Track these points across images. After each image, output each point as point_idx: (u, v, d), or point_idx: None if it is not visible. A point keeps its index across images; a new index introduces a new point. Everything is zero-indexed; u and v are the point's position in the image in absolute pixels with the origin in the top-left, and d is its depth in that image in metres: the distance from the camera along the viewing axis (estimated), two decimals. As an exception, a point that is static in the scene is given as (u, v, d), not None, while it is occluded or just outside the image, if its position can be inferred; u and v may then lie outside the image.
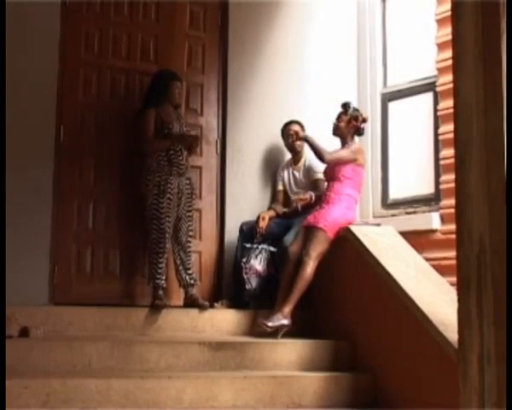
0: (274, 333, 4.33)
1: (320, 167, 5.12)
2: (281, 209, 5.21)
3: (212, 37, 5.41)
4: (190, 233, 4.86)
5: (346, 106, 4.83)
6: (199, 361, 3.93)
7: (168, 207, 4.65)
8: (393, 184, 5.41)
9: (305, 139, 4.82)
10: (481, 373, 2.21)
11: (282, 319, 4.35)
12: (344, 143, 4.81)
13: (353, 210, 4.75)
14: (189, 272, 4.78)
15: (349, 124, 4.81)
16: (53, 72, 4.80)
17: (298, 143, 5.15)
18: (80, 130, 4.94)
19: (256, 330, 4.41)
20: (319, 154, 4.72)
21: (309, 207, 4.88)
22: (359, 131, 4.88)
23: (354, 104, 5.13)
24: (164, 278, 4.64)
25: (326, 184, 4.84)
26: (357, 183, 4.74)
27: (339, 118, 4.85)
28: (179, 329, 4.48)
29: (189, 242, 4.84)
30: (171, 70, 4.97)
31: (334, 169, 4.74)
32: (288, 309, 4.39)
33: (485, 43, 2.28)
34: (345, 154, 4.71)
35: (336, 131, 4.86)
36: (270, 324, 4.32)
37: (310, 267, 4.45)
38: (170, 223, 4.67)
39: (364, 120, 4.86)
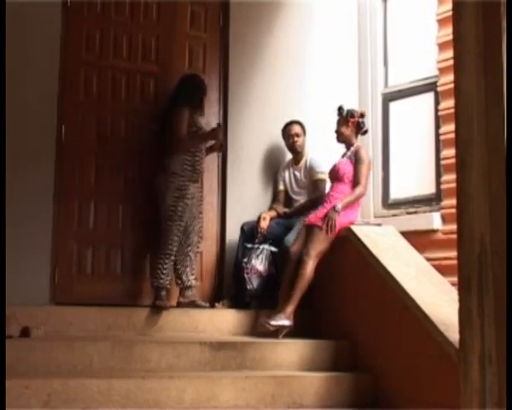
0: (275, 333, 4.33)
1: (321, 168, 5.13)
2: (282, 209, 5.21)
3: (212, 37, 5.41)
4: (201, 234, 4.93)
5: (339, 109, 4.85)
6: (200, 361, 3.93)
7: (183, 211, 4.69)
8: (394, 184, 5.40)
9: (340, 210, 4.56)
10: (482, 373, 2.21)
11: (284, 320, 4.36)
12: (349, 146, 4.82)
13: (355, 211, 4.74)
14: (193, 272, 4.81)
15: (347, 124, 4.81)
16: (54, 72, 4.80)
17: (298, 143, 5.19)
18: (81, 130, 4.93)
19: (258, 329, 4.41)
20: (357, 198, 4.69)
21: (310, 208, 4.89)
22: (362, 129, 4.87)
23: (355, 104, 5.14)
24: (168, 279, 4.66)
25: (334, 184, 4.81)
26: None
27: (338, 124, 4.86)
28: (180, 329, 4.48)
29: (199, 242, 4.90)
30: (204, 81, 5.04)
31: (338, 170, 4.75)
32: (290, 309, 4.39)
33: (486, 43, 2.29)
34: (365, 170, 4.72)
35: (339, 137, 4.87)
36: (272, 322, 4.32)
37: (309, 266, 4.45)
38: (182, 227, 4.70)
39: (362, 115, 4.86)
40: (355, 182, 4.69)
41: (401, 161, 5.39)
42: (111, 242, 4.93)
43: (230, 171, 5.28)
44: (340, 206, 4.54)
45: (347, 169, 4.72)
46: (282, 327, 4.35)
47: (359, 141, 4.90)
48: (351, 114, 4.82)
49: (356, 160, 4.73)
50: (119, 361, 3.80)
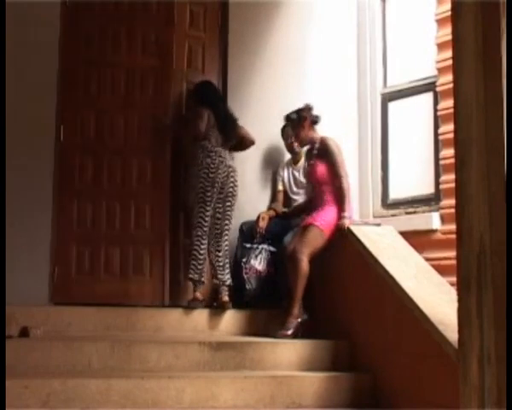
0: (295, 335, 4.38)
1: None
2: (281, 209, 5.21)
3: (212, 36, 5.41)
4: None
5: (288, 118, 4.90)
6: (199, 361, 3.93)
7: None
8: (393, 184, 5.40)
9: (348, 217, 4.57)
10: (481, 373, 2.21)
11: (295, 321, 4.40)
12: (313, 143, 4.78)
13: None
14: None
15: (303, 125, 4.78)
16: (53, 70, 4.81)
17: (296, 145, 5.18)
18: (80, 129, 4.94)
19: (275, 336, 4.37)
20: (348, 191, 4.63)
21: (309, 208, 4.88)
22: (313, 120, 4.82)
23: (354, 104, 5.13)
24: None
25: (319, 188, 4.75)
26: None
27: (293, 131, 4.87)
28: (179, 329, 4.48)
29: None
30: None
31: (315, 174, 4.69)
32: (296, 309, 4.43)
33: (485, 43, 2.28)
34: (339, 158, 4.65)
35: (302, 142, 4.86)
36: (289, 332, 4.36)
37: (303, 262, 4.45)
38: None
39: (310, 109, 4.81)
40: (333, 174, 4.61)
41: (400, 160, 5.39)
42: (110, 241, 4.93)
43: (229, 171, 5.27)
44: (347, 214, 4.54)
45: (322, 169, 4.66)
46: (298, 327, 4.40)
47: (316, 132, 4.83)
48: (302, 115, 4.79)
49: (325, 153, 4.66)
50: (118, 361, 3.80)
